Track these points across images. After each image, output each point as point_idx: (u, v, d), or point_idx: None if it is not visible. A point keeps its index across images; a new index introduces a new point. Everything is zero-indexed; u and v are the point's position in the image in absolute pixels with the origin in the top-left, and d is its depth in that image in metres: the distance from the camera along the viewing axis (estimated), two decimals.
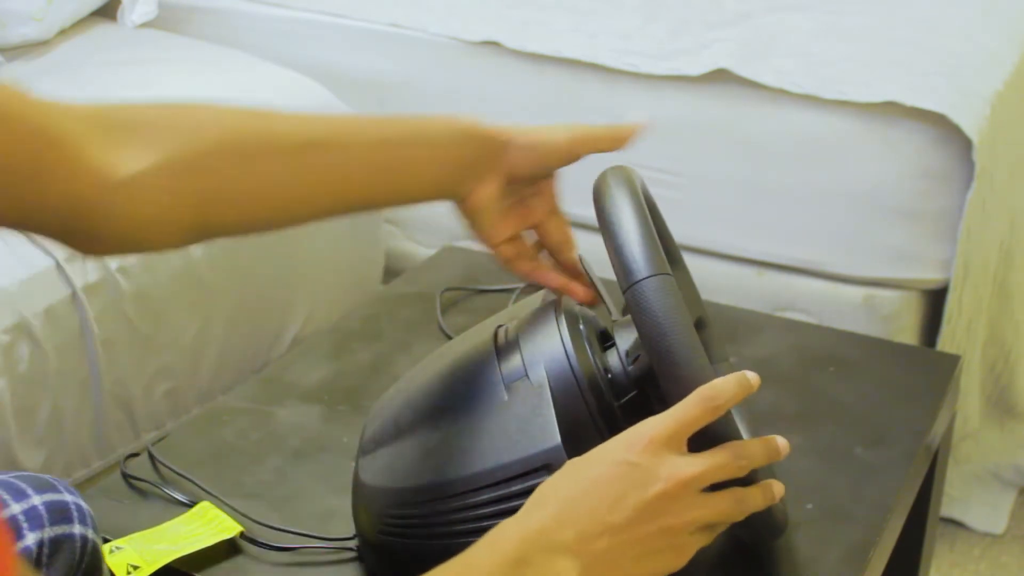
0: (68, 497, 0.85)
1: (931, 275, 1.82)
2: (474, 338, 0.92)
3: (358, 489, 0.92)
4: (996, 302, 1.97)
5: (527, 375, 0.85)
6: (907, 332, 1.85)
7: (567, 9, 2.12)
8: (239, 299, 1.77)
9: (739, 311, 1.36)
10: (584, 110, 2.00)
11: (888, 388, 1.18)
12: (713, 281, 1.92)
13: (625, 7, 2.14)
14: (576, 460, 0.77)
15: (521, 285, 1.36)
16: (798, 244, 1.87)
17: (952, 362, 1.23)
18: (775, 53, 1.91)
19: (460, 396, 0.87)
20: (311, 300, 1.91)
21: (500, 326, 0.91)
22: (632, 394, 0.85)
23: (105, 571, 0.86)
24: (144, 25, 2.17)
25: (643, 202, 0.86)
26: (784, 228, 1.87)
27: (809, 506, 0.99)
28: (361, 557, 0.94)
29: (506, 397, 0.85)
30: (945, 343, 1.82)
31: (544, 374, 0.84)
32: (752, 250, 1.89)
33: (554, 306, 0.90)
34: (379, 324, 1.31)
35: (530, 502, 0.75)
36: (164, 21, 2.24)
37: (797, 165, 1.85)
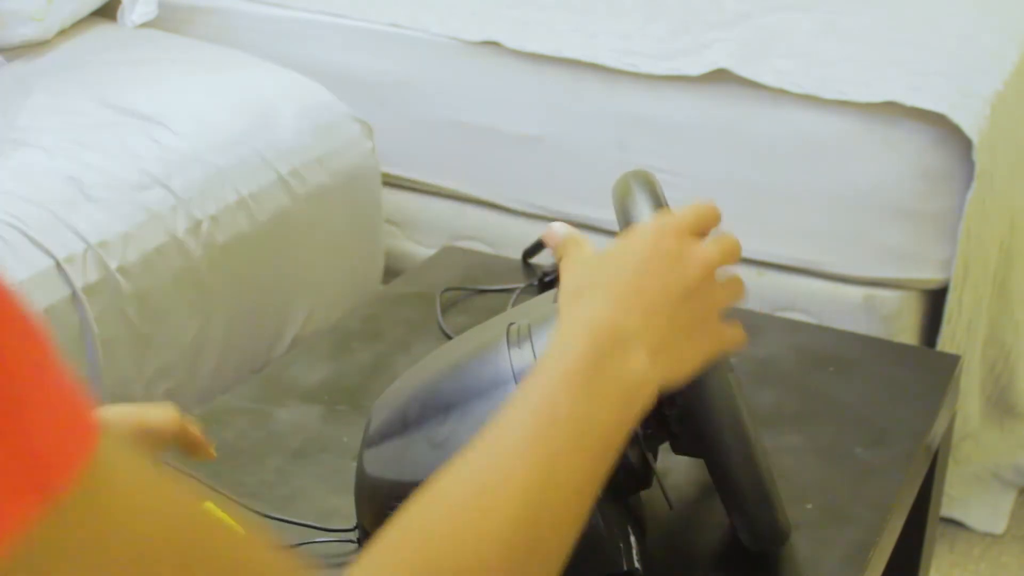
0: None
1: (931, 275, 1.82)
2: (485, 333, 0.92)
3: (362, 481, 0.92)
4: (996, 302, 1.97)
5: None
6: (907, 332, 1.85)
7: (567, 9, 2.12)
8: (239, 299, 1.77)
9: (739, 311, 1.35)
10: (584, 110, 2.00)
11: (888, 388, 1.18)
12: None
13: (625, 7, 2.14)
14: (608, 251, 0.77)
15: (521, 285, 1.36)
16: (798, 244, 1.87)
17: (952, 362, 1.22)
18: (775, 53, 1.91)
19: (470, 390, 0.87)
20: (311, 300, 1.91)
21: (512, 323, 0.91)
22: None
23: None
24: (144, 25, 2.17)
25: (665, 204, 0.86)
26: (784, 228, 1.87)
27: (809, 506, 0.99)
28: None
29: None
30: (945, 343, 1.82)
31: None
32: (752, 250, 1.89)
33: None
34: (379, 324, 1.31)
35: (574, 294, 0.74)
36: (164, 21, 2.24)
37: (797, 165, 1.85)
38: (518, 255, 1.43)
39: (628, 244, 0.76)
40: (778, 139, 1.85)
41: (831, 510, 0.99)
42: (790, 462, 1.05)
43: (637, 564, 0.85)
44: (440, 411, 0.88)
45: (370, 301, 1.40)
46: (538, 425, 0.64)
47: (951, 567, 1.89)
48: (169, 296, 1.65)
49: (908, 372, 1.21)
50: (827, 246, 1.86)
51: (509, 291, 1.35)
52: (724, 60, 1.88)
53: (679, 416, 0.85)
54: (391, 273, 2.10)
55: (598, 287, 0.73)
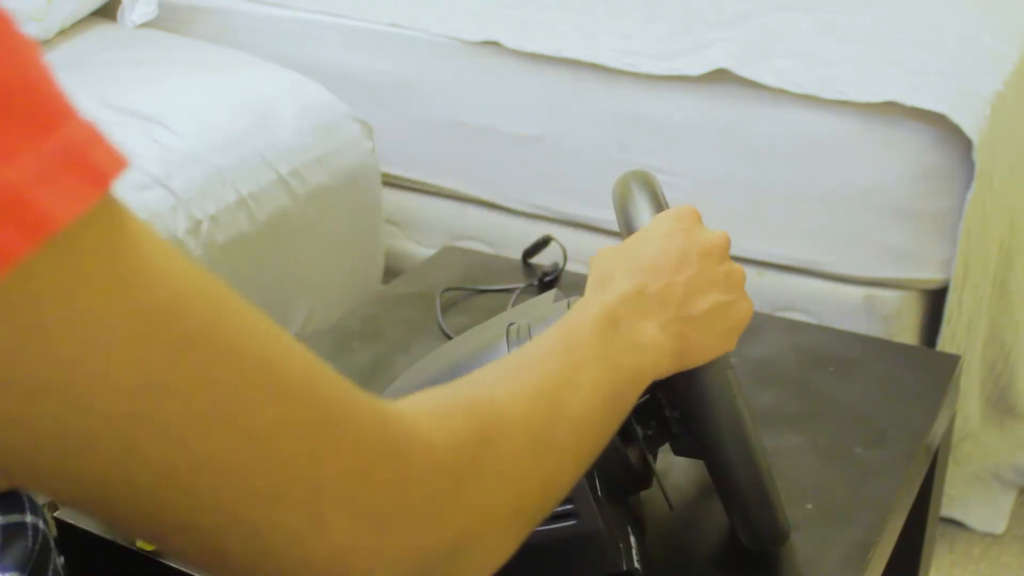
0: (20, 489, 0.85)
1: (931, 275, 1.82)
2: (485, 333, 0.92)
3: None
4: (996, 302, 1.97)
5: None
6: (907, 332, 1.85)
7: (567, 9, 2.12)
8: None
9: None
10: (584, 110, 2.00)
11: (888, 388, 1.18)
12: None
13: (625, 7, 2.14)
14: (627, 242, 0.80)
15: (521, 285, 1.36)
16: (798, 244, 1.87)
17: (952, 362, 1.22)
18: (775, 53, 1.91)
19: None
20: (311, 300, 1.91)
21: (511, 323, 0.91)
22: (645, 397, 0.85)
23: (54, 563, 0.86)
24: (144, 25, 2.17)
25: (666, 205, 0.86)
26: (784, 228, 1.87)
27: (809, 506, 0.99)
28: None
29: None
30: (945, 343, 1.82)
31: None
32: (752, 250, 1.89)
33: (568, 305, 0.90)
34: (379, 324, 1.31)
35: (598, 282, 0.76)
36: (164, 21, 2.24)
37: (797, 165, 1.85)
38: (518, 255, 1.43)
39: (651, 232, 0.80)
40: (778, 139, 1.85)
41: (831, 510, 0.99)
42: (790, 462, 1.05)
43: (637, 564, 0.85)
44: None
45: (370, 301, 1.40)
46: (564, 345, 0.67)
47: (951, 567, 1.89)
48: None
49: (908, 372, 1.21)
50: (827, 246, 1.85)
51: (509, 291, 1.35)
52: (724, 60, 1.88)
53: (680, 418, 0.85)
54: (391, 273, 2.10)
55: (619, 273, 0.76)
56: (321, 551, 0.46)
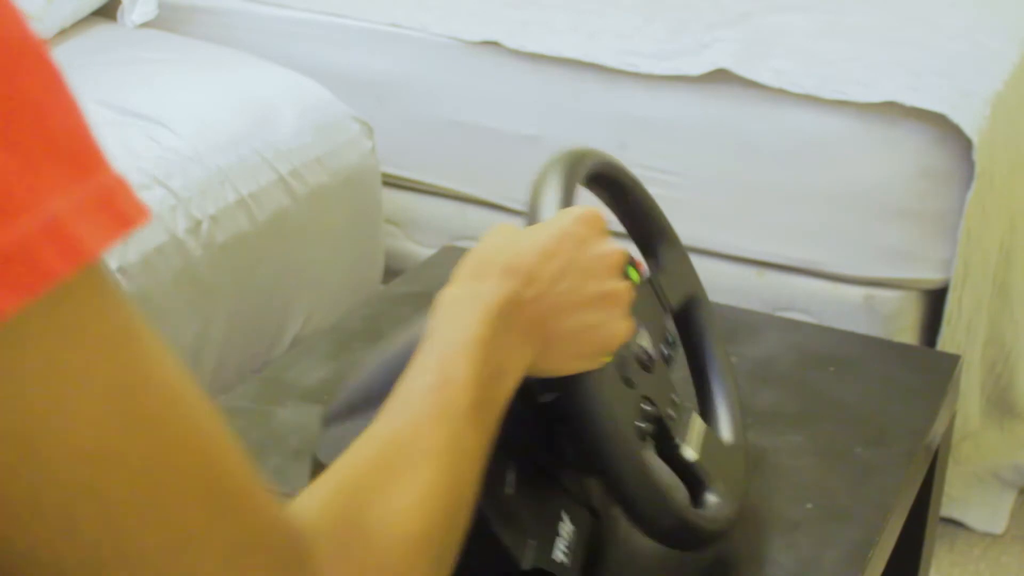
0: None
1: (931, 275, 1.82)
2: (423, 322, 0.92)
3: (314, 469, 0.91)
4: (996, 302, 1.97)
5: None
6: (907, 332, 1.85)
7: (567, 9, 2.12)
8: (239, 299, 1.77)
9: (739, 311, 1.35)
10: (584, 110, 2.00)
11: (888, 388, 1.18)
12: (713, 281, 1.91)
13: (625, 7, 2.14)
14: (523, 231, 0.77)
15: None
16: (798, 244, 1.87)
17: (952, 362, 1.22)
18: (775, 53, 1.91)
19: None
20: (311, 300, 1.91)
21: None
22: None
23: None
24: (144, 25, 2.17)
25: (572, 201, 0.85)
26: (784, 228, 1.87)
27: (809, 506, 0.99)
28: None
29: None
30: (945, 343, 1.82)
31: None
32: (752, 250, 1.89)
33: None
34: (379, 324, 1.31)
35: (471, 271, 0.74)
36: (164, 21, 2.24)
37: (797, 165, 1.85)
38: None
39: (543, 228, 0.77)
40: (778, 139, 1.85)
41: (831, 510, 0.99)
42: (790, 462, 1.05)
43: (563, 558, 0.82)
44: (379, 397, 0.87)
45: (370, 301, 1.40)
46: (443, 394, 0.64)
47: (951, 567, 1.89)
48: (169, 296, 1.65)
49: (908, 372, 1.21)
50: (827, 246, 1.85)
51: None
52: (724, 60, 1.88)
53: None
54: (391, 273, 2.09)
55: (498, 268, 0.73)
56: None
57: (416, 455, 0.60)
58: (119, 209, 0.42)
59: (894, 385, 1.18)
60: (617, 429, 0.78)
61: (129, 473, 0.42)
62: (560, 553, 0.82)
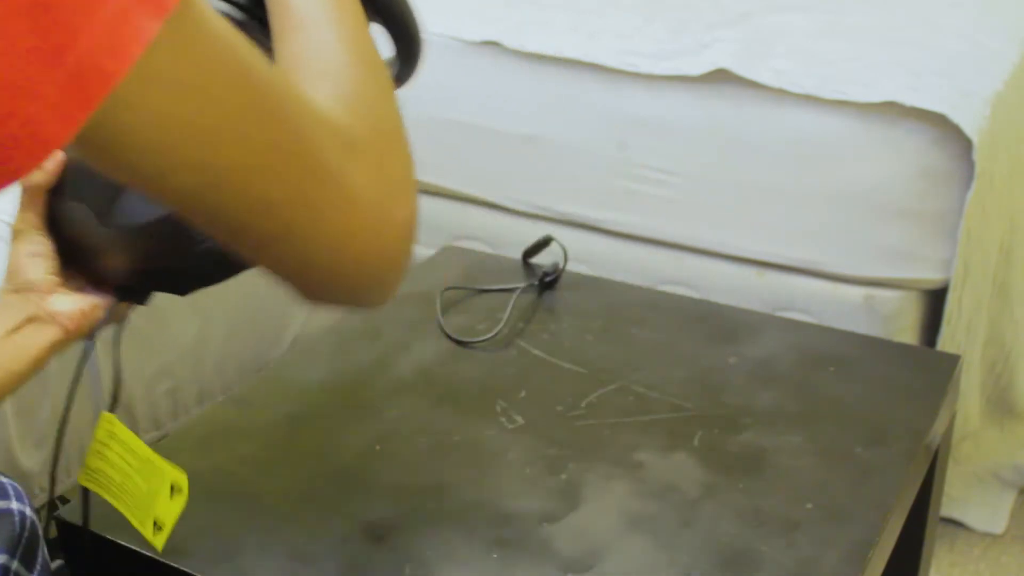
0: (3, 479, 0.86)
1: (931, 275, 1.82)
2: None
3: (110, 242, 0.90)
4: (996, 302, 1.97)
5: None
6: (907, 332, 1.85)
7: (567, 9, 2.12)
8: (239, 299, 1.77)
9: (739, 311, 1.36)
10: (584, 110, 2.00)
11: (888, 388, 1.18)
12: (713, 281, 1.92)
13: (625, 7, 2.14)
14: None
15: (521, 285, 1.36)
16: (798, 244, 1.87)
17: (952, 362, 1.23)
18: (775, 53, 1.91)
19: None
20: None
21: None
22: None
23: (42, 550, 0.86)
24: None
25: None
26: (784, 228, 1.87)
27: (809, 506, 0.99)
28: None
29: None
30: (945, 343, 1.82)
31: None
32: (752, 250, 1.89)
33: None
34: (379, 324, 1.31)
35: None
36: None
37: (797, 165, 1.85)
38: (518, 255, 1.43)
39: None
40: (778, 139, 1.85)
41: (831, 510, 0.99)
42: (790, 462, 1.05)
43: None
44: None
45: None
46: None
47: (951, 567, 1.89)
48: (169, 296, 1.64)
49: (908, 372, 1.21)
50: (827, 246, 1.85)
51: (509, 291, 1.35)
52: (724, 60, 1.88)
53: None
54: None
55: None
56: (347, 220, 0.62)
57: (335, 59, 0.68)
58: None
59: (894, 385, 1.18)
60: None
61: (256, 145, 0.54)
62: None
